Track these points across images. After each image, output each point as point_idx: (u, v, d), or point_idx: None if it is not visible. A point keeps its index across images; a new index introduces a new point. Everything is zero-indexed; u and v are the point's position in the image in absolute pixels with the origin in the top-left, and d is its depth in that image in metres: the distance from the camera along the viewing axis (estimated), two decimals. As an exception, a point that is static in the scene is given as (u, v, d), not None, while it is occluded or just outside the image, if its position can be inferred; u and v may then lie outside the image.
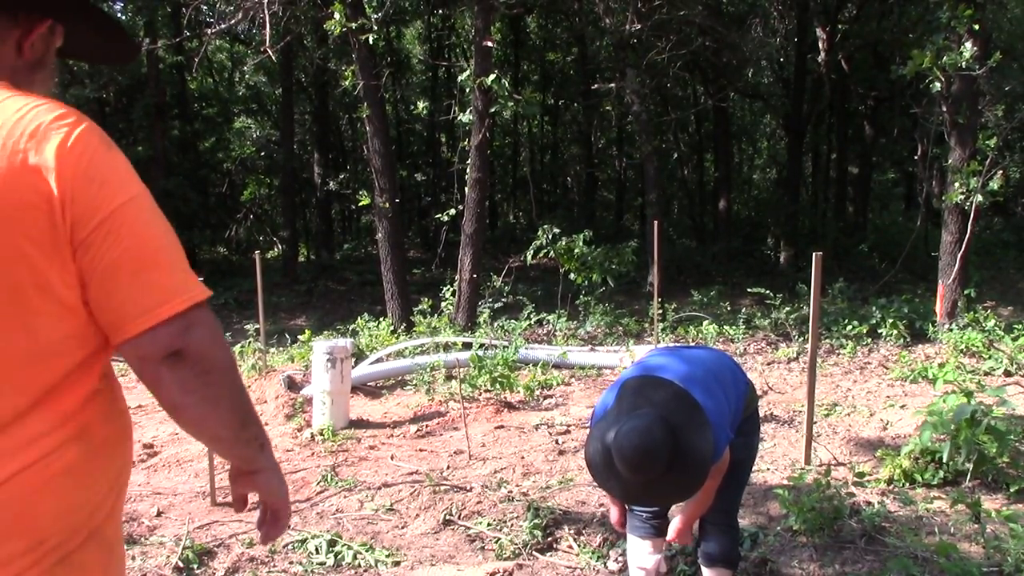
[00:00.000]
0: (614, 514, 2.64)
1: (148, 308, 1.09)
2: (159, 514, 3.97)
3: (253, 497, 1.39)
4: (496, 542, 3.50)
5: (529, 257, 9.04)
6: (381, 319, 9.22)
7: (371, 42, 8.53)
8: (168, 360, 1.11)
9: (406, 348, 7.42)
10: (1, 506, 1.05)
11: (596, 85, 14.68)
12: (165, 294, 1.10)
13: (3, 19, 1.19)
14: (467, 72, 8.76)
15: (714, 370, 2.53)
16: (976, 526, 3.41)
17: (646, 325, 9.00)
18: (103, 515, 1.18)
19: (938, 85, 8.07)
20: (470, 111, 8.71)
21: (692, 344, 8.18)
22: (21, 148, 1.05)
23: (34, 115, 1.08)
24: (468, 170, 8.89)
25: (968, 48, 7.84)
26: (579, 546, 3.46)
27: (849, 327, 8.28)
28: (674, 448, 2.07)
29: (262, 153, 19.73)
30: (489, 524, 3.69)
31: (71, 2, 1.25)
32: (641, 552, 2.81)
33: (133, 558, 3.42)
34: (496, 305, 9.26)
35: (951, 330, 8.07)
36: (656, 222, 8.53)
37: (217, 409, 1.18)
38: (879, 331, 8.33)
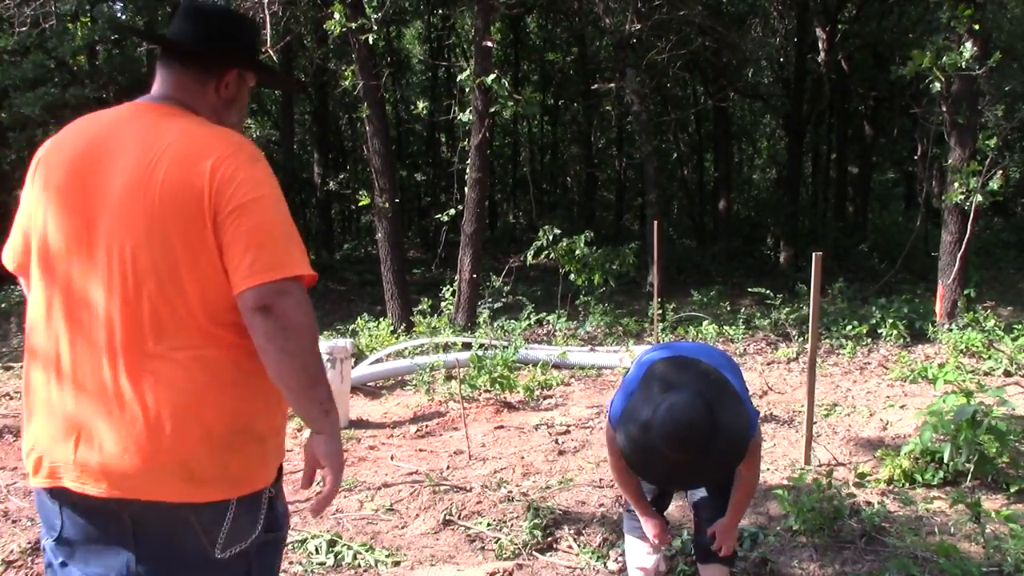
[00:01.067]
0: (650, 530, 2.63)
1: (250, 274, 1.50)
2: (159, 514, 3.97)
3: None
4: (496, 542, 3.50)
5: (530, 257, 9.04)
6: (381, 319, 9.22)
7: (371, 42, 8.53)
8: (259, 312, 1.50)
9: (406, 348, 7.42)
10: (185, 404, 1.52)
11: (596, 85, 14.69)
12: (265, 266, 1.51)
13: (204, 72, 1.71)
14: (467, 72, 8.76)
15: (721, 356, 2.57)
16: (976, 526, 3.41)
17: (646, 325, 9.00)
18: (258, 419, 1.60)
19: (938, 85, 8.07)
20: (470, 111, 8.71)
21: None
22: (195, 158, 1.54)
23: (212, 137, 1.60)
24: (468, 170, 8.89)
25: (968, 48, 7.84)
26: (579, 546, 3.46)
27: (849, 327, 8.28)
28: (713, 423, 2.09)
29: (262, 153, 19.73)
30: (489, 524, 3.69)
31: (242, 58, 1.74)
32: (640, 552, 2.81)
33: (133, 558, 3.42)
34: (496, 305, 9.26)
35: (951, 330, 8.07)
36: (656, 222, 8.53)
37: (291, 361, 1.52)
38: (879, 331, 8.33)
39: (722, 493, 2.61)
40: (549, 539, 3.52)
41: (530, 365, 7.16)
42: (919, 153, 15.38)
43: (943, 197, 8.87)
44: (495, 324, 8.63)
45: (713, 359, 2.48)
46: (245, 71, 1.77)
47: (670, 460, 2.13)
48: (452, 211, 9.45)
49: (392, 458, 4.85)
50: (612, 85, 13.06)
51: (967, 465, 3.92)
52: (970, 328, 7.93)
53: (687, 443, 2.08)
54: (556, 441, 5.13)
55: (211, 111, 1.71)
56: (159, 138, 1.58)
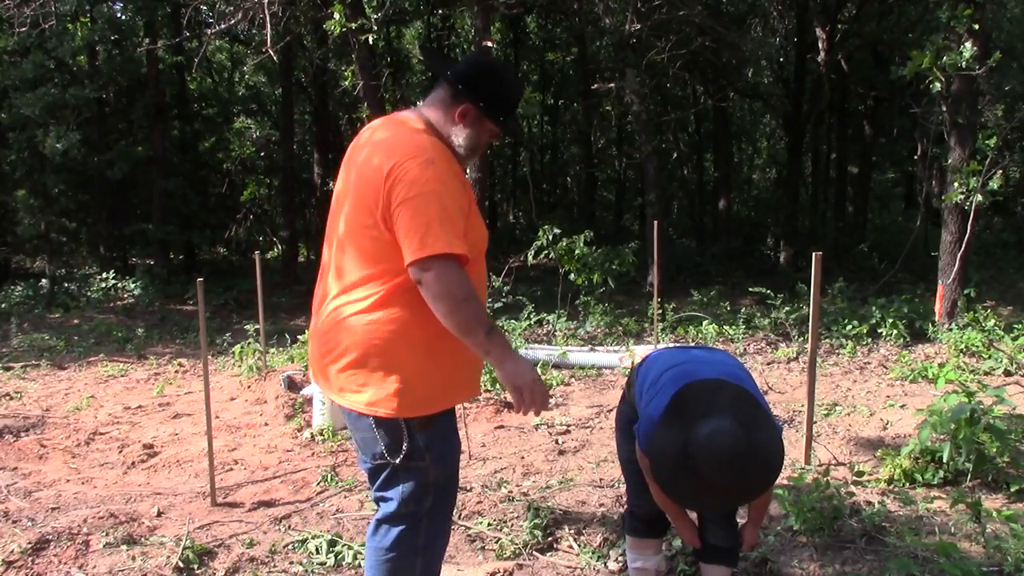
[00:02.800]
0: (686, 535, 2.61)
1: (409, 253, 2.04)
2: (159, 514, 3.97)
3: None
4: (496, 542, 3.50)
5: (530, 257, 9.03)
6: (381, 319, 9.20)
7: (371, 42, 8.54)
8: (418, 283, 2.07)
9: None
10: (354, 332, 2.16)
11: (596, 85, 14.67)
12: (418, 248, 2.03)
13: (452, 98, 2.24)
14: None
15: (736, 365, 2.56)
16: (976, 526, 3.41)
17: (646, 325, 9.00)
18: (413, 354, 2.17)
19: (938, 85, 8.06)
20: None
21: (693, 344, 8.19)
22: (385, 156, 2.13)
23: (405, 143, 2.15)
24: (467, 170, 8.88)
25: (968, 48, 7.84)
26: (579, 546, 3.46)
27: (849, 327, 8.28)
28: (753, 449, 2.11)
29: (262, 153, 19.70)
30: (489, 524, 3.69)
31: (476, 100, 2.22)
32: (641, 553, 2.81)
33: (133, 558, 3.42)
34: (496, 305, 9.26)
35: (951, 330, 8.07)
36: (656, 222, 8.53)
37: (447, 319, 2.06)
38: (879, 331, 8.33)
39: None
40: (549, 539, 3.52)
41: (530, 365, 7.15)
42: (919, 153, 15.38)
43: (943, 197, 8.87)
44: (495, 324, 8.63)
45: (732, 372, 2.46)
46: (483, 114, 2.24)
47: (710, 488, 2.14)
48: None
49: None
50: (612, 85, 13.06)
51: (966, 464, 3.92)
52: (970, 328, 7.93)
53: (730, 473, 2.10)
54: (556, 441, 5.13)
55: (446, 130, 2.24)
56: (380, 135, 2.26)
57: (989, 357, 7.06)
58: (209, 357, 5.27)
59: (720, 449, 2.09)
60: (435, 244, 2.01)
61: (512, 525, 3.67)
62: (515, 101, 2.33)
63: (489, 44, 8.70)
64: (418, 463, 2.23)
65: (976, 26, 7.90)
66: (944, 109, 8.54)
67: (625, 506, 3.02)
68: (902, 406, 5.70)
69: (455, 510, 3.85)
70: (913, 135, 16.30)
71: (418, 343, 2.16)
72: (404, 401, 2.17)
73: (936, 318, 8.57)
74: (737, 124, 21.73)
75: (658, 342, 7.80)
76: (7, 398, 6.94)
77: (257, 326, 7.67)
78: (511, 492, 4.12)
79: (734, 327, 8.43)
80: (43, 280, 14.32)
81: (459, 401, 2.37)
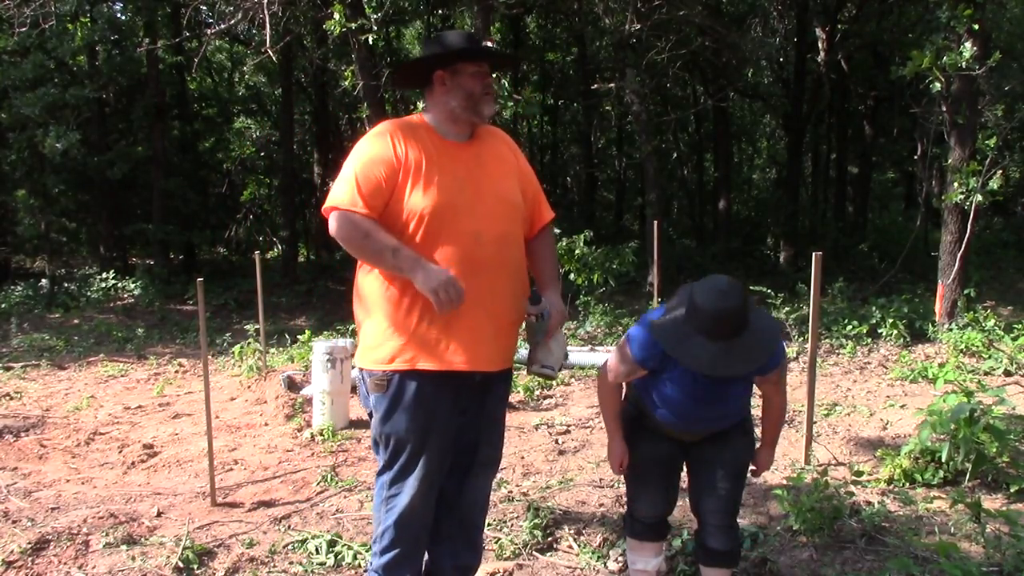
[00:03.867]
0: (615, 453, 2.67)
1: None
2: (159, 514, 3.97)
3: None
4: (496, 542, 3.50)
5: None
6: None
7: (371, 42, 8.53)
8: None
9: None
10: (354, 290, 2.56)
11: (596, 85, 14.66)
12: (328, 202, 2.39)
13: (429, 81, 2.51)
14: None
15: None
16: (976, 526, 3.41)
17: (646, 325, 8.98)
18: (371, 310, 2.48)
19: (938, 85, 8.06)
20: (470, 111, 8.69)
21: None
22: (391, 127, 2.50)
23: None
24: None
25: (968, 48, 7.84)
26: (579, 546, 3.46)
27: (849, 327, 8.28)
28: (748, 302, 2.29)
29: (262, 153, 19.71)
30: (489, 524, 3.69)
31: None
32: (641, 555, 2.81)
33: (133, 558, 3.42)
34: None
35: (951, 330, 8.07)
36: (656, 222, 8.53)
37: (360, 259, 2.45)
38: (879, 331, 8.33)
39: (724, 493, 2.60)
40: (549, 539, 3.52)
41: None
42: (919, 153, 15.37)
43: (943, 197, 8.87)
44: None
45: None
46: (451, 69, 2.45)
47: (712, 330, 2.26)
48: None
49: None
50: (612, 85, 13.05)
51: (966, 464, 3.92)
52: (970, 328, 7.93)
53: (728, 312, 2.24)
54: (556, 441, 5.13)
55: (441, 105, 2.48)
56: None
57: (989, 357, 7.06)
58: (209, 357, 5.27)
59: (712, 287, 2.29)
60: (328, 201, 2.38)
61: (512, 525, 3.67)
62: (459, 40, 2.47)
63: (489, 44, 8.69)
64: (373, 415, 2.52)
65: (976, 26, 7.90)
66: (944, 109, 8.54)
67: (625, 507, 3.02)
68: (902, 406, 5.70)
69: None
70: (913, 135, 16.29)
71: (375, 299, 2.44)
72: (362, 352, 2.49)
73: (936, 318, 8.57)
74: (737, 124, 21.72)
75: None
76: (7, 398, 6.94)
77: (257, 326, 7.67)
78: (511, 492, 4.12)
79: (734, 327, 8.41)
80: (43, 280, 14.32)
81: (429, 366, 2.40)
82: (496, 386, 2.59)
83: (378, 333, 2.44)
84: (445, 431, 2.50)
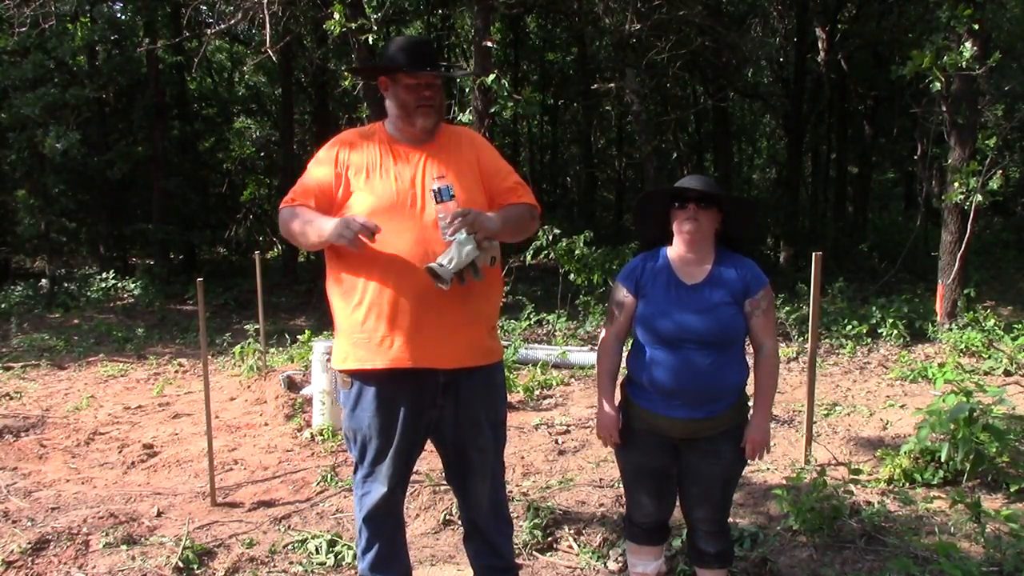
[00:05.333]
0: (605, 421, 2.64)
1: None
2: (159, 514, 3.97)
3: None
4: (496, 542, 3.50)
5: (529, 257, 9.03)
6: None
7: (371, 42, 8.52)
8: None
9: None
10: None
11: (596, 85, 14.65)
12: None
13: (379, 87, 2.61)
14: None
15: None
16: (976, 526, 3.41)
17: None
18: (335, 311, 2.58)
19: (938, 85, 8.06)
20: (470, 111, 8.71)
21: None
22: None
23: None
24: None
25: (968, 48, 7.83)
26: (579, 546, 3.46)
27: (849, 327, 8.27)
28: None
29: (262, 153, 19.70)
30: (489, 524, 3.69)
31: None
32: (641, 558, 2.81)
33: (133, 558, 3.42)
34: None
35: (951, 330, 8.07)
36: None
37: (302, 246, 2.64)
38: (879, 331, 8.33)
39: (716, 497, 2.60)
40: (549, 539, 3.52)
41: (530, 365, 7.16)
42: (919, 153, 15.36)
43: (943, 197, 8.87)
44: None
45: None
46: (390, 76, 2.53)
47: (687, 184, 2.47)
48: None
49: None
50: (612, 85, 13.04)
51: (965, 464, 3.92)
52: (970, 328, 7.93)
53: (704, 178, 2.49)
54: (556, 441, 5.13)
55: (389, 110, 2.58)
56: None
57: (989, 357, 7.06)
58: (209, 357, 5.27)
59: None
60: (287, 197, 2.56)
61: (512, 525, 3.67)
62: (399, 50, 2.51)
63: (489, 44, 8.69)
64: (344, 411, 2.61)
65: (976, 26, 7.90)
66: (944, 109, 8.54)
67: (624, 509, 3.02)
68: (902, 406, 5.70)
69: (456, 510, 3.85)
70: (913, 135, 16.28)
71: (333, 302, 2.57)
72: (334, 353, 2.60)
73: (936, 318, 8.57)
74: (737, 124, 21.70)
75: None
76: (7, 398, 6.95)
77: (257, 326, 7.67)
78: (511, 492, 4.11)
79: (734, 327, 8.41)
80: (43, 280, 14.32)
81: (378, 364, 2.44)
82: (467, 386, 2.53)
83: (338, 334, 2.57)
84: (409, 429, 2.51)
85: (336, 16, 8.09)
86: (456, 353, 2.48)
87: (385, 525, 2.62)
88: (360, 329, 2.46)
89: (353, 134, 2.62)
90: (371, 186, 2.47)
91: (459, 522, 3.73)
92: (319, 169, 2.54)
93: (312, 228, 2.43)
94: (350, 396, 2.56)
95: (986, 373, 6.62)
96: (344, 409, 2.61)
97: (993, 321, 8.10)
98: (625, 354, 2.68)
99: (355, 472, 2.64)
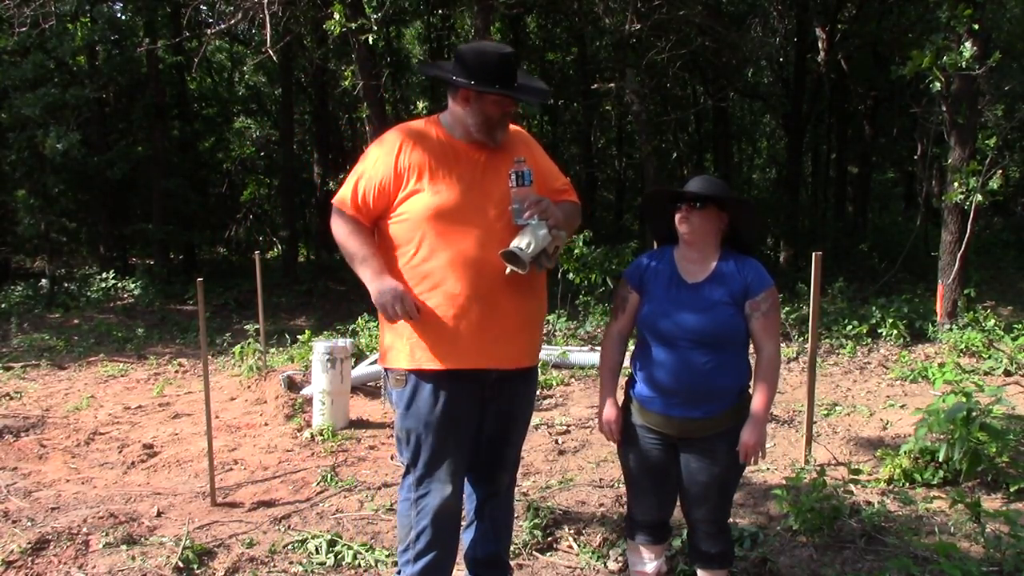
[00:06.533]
0: (607, 414, 2.64)
1: None
2: (159, 514, 3.98)
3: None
4: (496, 542, 3.50)
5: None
6: (381, 319, 9.20)
7: (371, 42, 8.52)
8: None
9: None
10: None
11: (596, 85, 14.65)
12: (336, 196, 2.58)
13: (454, 91, 2.52)
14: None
15: None
16: (976, 526, 3.41)
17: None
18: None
19: (938, 85, 8.06)
20: (470, 111, 8.69)
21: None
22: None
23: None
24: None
25: (968, 48, 7.83)
26: (579, 546, 3.46)
27: (849, 327, 8.27)
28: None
29: (262, 153, 19.70)
30: (489, 524, 3.69)
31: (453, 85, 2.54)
32: (641, 557, 2.81)
33: (133, 558, 3.42)
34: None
35: (951, 330, 8.07)
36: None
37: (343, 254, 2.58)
38: (879, 331, 8.33)
39: (715, 498, 2.60)
40: (549, 539, 3.52)
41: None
42: (919, 153, 15.37)
43: (943, 197, 8.87)
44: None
45: None
46: (477, 90, 2.44)
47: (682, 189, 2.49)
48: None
49: (392, 458, 4.85)
50: (612, 85, 13.04)
51: (963, 463, 3.92)
52: (970, 328, 7.93)
53: (707, 179, 2.52)
54: (556, 441, 5.13)
55: (460, 118, 2.50)
56: None
57: (989, 357, 7.06)
58: (209, 357, 5.27)
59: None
60: (337, 198, 2.56)
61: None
62: (494, 67, 2.43)
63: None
64: (395, 410, 2.59)
65: (976, 26, 7.90)
66: (944, 109, 8.54)
67: (625, 508, 3.02)
68: (902, 406, 5.70)
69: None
70: (913, 135, 16.28)
71: None
72: (383, 351, 2.60)
73: (936, 318, 8.58)
74: (737, 124, 21.72)
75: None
76: (7, 398, 6.95)
77: (257, 326, 7.67)
78: (511, 492, 4.12)
79: (734, 327, 8.41)
80: (43, 280, 14.32)
81: (438, 365, 2.45)
82: (516, 384, 2.60)
83: (393, 333, 2.53)
84: (465, 428, 2.53)
85: (336, 16, 8.10)
86: (515, 354, 2.54)
87: (448, 529, 2.56)
88: (423, 330, 2.45)
89: (413, 131, 2.56)
90: (434, 188, 2.44)
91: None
92: (378, 166, 2.49)
93: (364, 267, 2.48)
94: (403, 395, 2.52)
95: (986, 373, 6.62)
96: (397, 409, 2.56)
97: (993, 321, 8.10)
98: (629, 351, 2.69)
99: (405, 475, 2.58)
